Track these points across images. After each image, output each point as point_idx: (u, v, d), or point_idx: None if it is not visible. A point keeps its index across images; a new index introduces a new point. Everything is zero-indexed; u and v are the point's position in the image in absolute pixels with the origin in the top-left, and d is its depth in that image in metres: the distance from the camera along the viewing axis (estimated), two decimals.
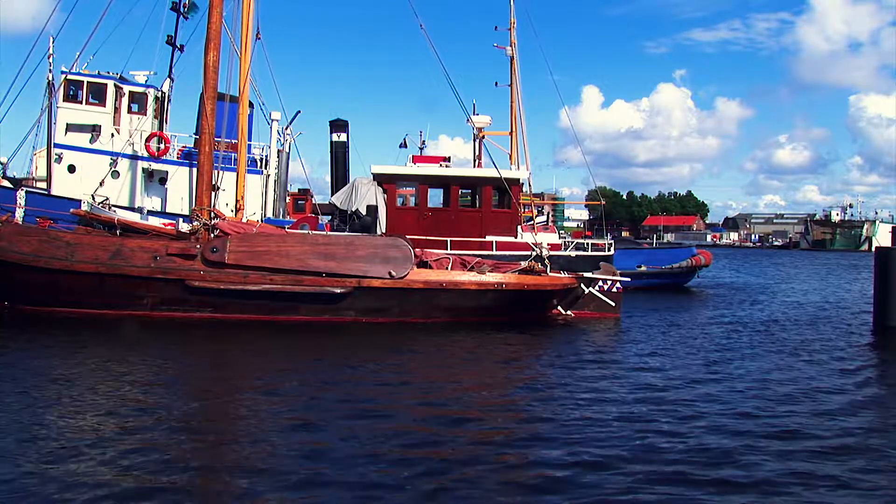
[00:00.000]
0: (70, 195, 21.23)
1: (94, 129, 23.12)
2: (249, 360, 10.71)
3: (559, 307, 15.87)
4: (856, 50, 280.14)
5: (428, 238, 19.45)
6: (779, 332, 14.84)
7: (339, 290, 13.61)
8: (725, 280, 33.69)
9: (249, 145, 22.33)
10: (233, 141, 18.78)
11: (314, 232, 17.11)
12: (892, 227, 24.56)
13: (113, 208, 20.16)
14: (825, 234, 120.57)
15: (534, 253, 17.31)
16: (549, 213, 47.16)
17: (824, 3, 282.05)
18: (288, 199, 27.77)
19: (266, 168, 24.28)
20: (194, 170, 14.87)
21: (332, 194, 24.35)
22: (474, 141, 26.69)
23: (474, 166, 25.98)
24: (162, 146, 23.42)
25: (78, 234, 14.17)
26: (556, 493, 5.48)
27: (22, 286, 13.49)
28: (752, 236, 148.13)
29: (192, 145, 23.51)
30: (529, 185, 27.32)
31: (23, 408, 7.31)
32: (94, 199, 20.47)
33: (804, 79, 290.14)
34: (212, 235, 13.92)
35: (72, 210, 17.13)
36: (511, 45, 29.61)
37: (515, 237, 21.18)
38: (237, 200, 16.68)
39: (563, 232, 36.36)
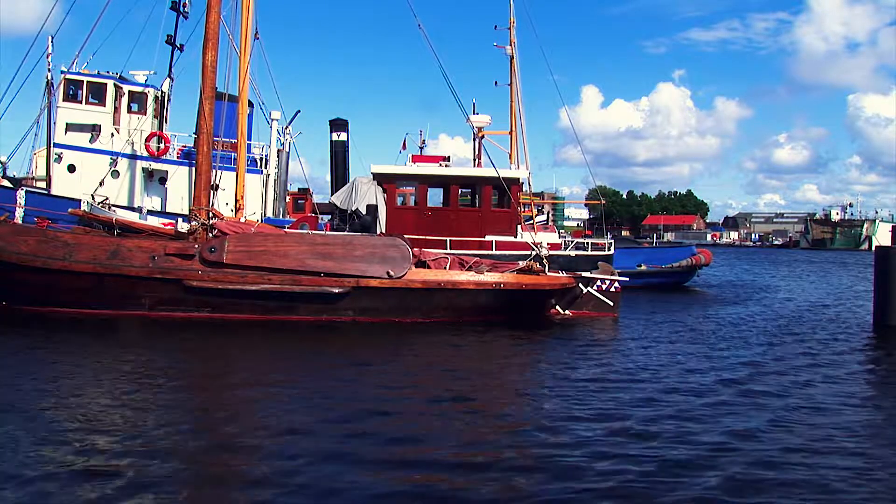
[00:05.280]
0: (70, 195, 21.25)
1: (94, 129, 23.14)
2: (248, 361, 10.70)
3: (557, 307, 15.86)
4: (854, 50, 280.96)
5: (428, 238, 19.44)
6: (778, 331, 14.81)
7: (337, 290, 13.59)
8: (726, 279, 33.66)
9: (249, 145, 22.36)
10: (232, 140, 18.79)
11: (312, 232, 17.12)
12: (892, 227, 24.50)
13: (113, 208, 20.20)
14: (825, 233, 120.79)
15: (533, 253, 17.32)
16: (549, 213, 47.11)
17: (822, 3, 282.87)
18: (288, 198, 27.78)
19: (266, 168, 24.30)
20: (194, 169, 14.87)
21: (332, 194, 24.36)
22: (474, 140, 26.66)
23: (474, 166, 25.96)
24: (162, 146, 23.44)
25: (76, 234, 14.16)
26: (557, 493, 5.47)
27: (20, 286, 13.48)
28: (753, 235, 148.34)
29: (191, 145, 23.50)
30: (529, 185, 27.33)
31: (21, 407, 7.30)
32: (93, 198, 20.52)
33: (803, 78, 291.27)
34: (210, 235, 13.92)
35: (70, 210, 17.15)
36: (511, 45, 29.58)
37: (515, 237, 21.16)
38: (237, 200, 16.68)
39: (563, 231, 36.34)
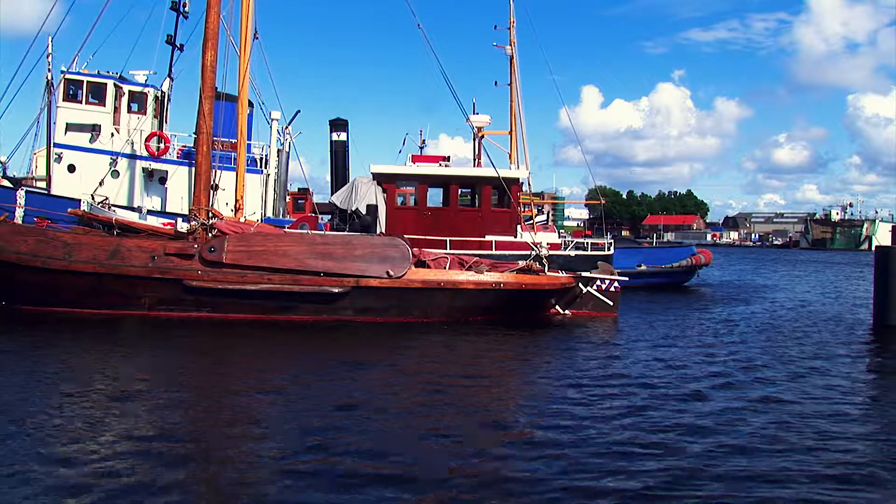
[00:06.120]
0: (70, 195, 21.25)
1: (94, 129, 23.13)
2: (247, 361, 10.70)
3: (557, 306, 15.86)
4: (853, 50, 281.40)
5: (427, 238, 19.45)
6: (778, 331, 14.80)
7: (336, 290, 13.60)
8: (725, 279, 33.65)
9: (249, 145, 22.37)
10: (232, 140, 18.79)
11: (312, 231, 17.13)
12: (892, 227, 24.52)
13: (113, 208, 20.21)
14: (825, 233, 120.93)
15: (533, 252, 17.31)
16: (549, 213, 47.11)
17: (822, 3, 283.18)
18: (288, 198, 27.79)
19: (266, 167, 24.31)
20: (194, 169, 14.87)
21: (332, 194, 24.36)
22: (474, 140, 26.65)
23: (474, 166, 25.96)
24: (162, 146, 23.44)
25: (76, 233, 14.17)
26: (557, 494, 5.47)
27: (20, 286, 13.49)
28: (753, 235, 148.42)
29: (191, 145, 23.48)
30: (529, 185, 27.33)
31: (20, 407, 7.30)
32: (93, 198, 20.53)
33: (802, 79, 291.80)
34: (210, 235, 13.92)
35: (69, 210, 17.14)
36: (510, 45, 29.59)
37: (515, 237, 21.16)
38: (237, 200, 16.69)
39: (563, 231, 36.35)
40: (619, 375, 9.83)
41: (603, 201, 37.26)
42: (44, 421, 6.85)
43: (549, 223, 36.86)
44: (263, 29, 17.28)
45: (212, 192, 14.75)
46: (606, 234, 27.71)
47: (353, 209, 20.71)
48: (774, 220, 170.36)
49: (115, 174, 22.77)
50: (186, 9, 24.75)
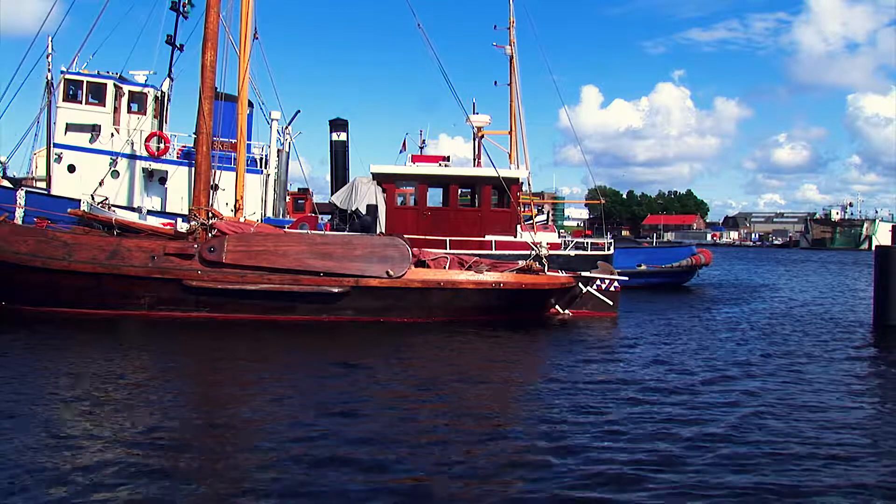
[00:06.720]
0: (70, 195, 21.27)
1: (94, 129, 23.14)
2: (246, 361, 10.68)
3: (557, 306, 15.86)
4: (853, 50, 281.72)
5: (427, 238, 19.45)
6: (778, 331, 14.81)
7: (336, 290, 13.60)
8: (725, 279, 33.65)
9: (249, 145, 22.38)
10: (232, 140, 18.80)
11: (312, 231, 17.14)
12: (892, 226, 24.53)
13: (112, 208, 20.22)
14: (825, 232, 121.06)
15: (533, 252, 17.32)
16: (549, 213, 47.07)
17: (821, 3, 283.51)
18: (288, 198, 27.80)
19: (266, 168, 24.32)
20: (194, 169, 14.88)
21: (332, 194, 24.36)
22: (474, 140, 26.65)
23: (474, 166, 25.95)
24: (161, 146, 23.45)
25: (76, 234, 14.17)
26: (547, 492, 5.47)
27: (20, 286, 13.49)
28: (753, 235, 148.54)
29: (191, 145, 23.49)
30: (529, 185, 27.34)
31: (19, 408, 7.31)
32: (93, 198, 20.54)
33: (802, 79, 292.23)
34: (209, 235, 13.92)
35: (69, 210, 17.15)
36: (510, 45, 29.61)
37: (515, 236, 21.16)
38: (237, 200, 16.69)
39: (563, 231, 36.35)
40: (619, 375, 9.83)
41: (603, 201, 37.30)
42: (44, 420, 6.86)
43: (549, 223, 36.84)
44: (263, 29, 17.32)
45: (212, 192, 14.77)
46: (606, 234, 27.70)
47: (353, 209, 20.70)
48: (774, 219, 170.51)
49: (115, 174, 22.78)
50: (186, 9, 24.75)
